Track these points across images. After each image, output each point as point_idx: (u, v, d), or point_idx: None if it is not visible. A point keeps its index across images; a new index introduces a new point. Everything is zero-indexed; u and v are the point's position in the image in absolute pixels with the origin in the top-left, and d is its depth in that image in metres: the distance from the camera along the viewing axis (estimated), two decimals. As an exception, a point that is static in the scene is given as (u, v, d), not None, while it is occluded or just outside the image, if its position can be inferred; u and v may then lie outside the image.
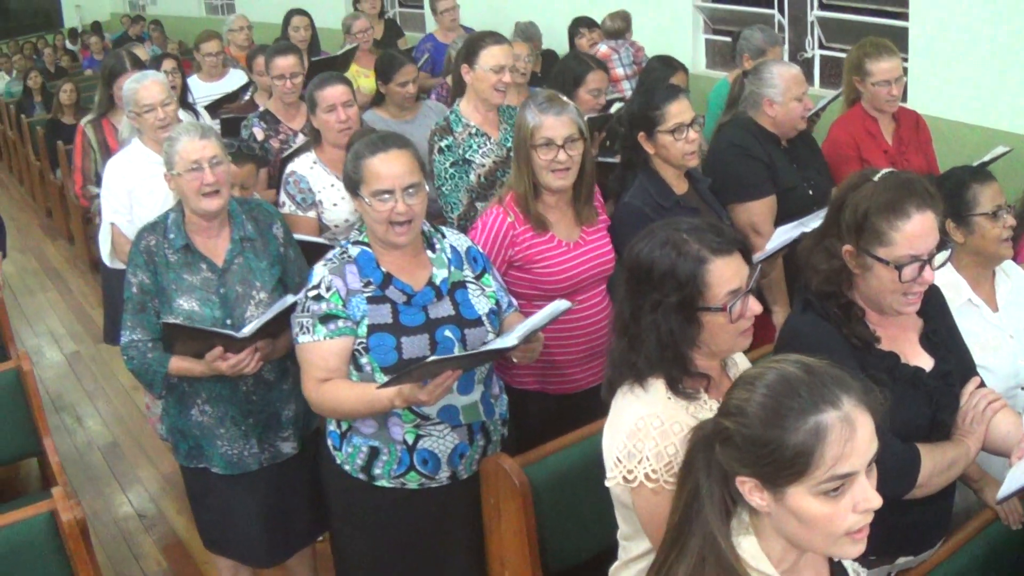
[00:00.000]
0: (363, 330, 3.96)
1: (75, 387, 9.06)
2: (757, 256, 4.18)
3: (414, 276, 4.07)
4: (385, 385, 3.72)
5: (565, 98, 4.84)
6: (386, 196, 3.93)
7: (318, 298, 3.98)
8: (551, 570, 4.21)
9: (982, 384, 3.66)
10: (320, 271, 4.05)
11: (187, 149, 4.48)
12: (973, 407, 3.56)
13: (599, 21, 10.25)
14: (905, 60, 6.25)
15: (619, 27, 9.95)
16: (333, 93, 5.66)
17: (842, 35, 9.76)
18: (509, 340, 3.76)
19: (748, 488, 2.35)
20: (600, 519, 3.56)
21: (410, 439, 4.06)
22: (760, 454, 2.28)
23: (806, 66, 9.38)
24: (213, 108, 8.27)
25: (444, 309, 4.06)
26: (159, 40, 18.69)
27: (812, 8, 10.02)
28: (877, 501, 2.28)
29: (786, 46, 9.55)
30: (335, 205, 5.64)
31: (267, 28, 12.19)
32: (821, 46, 10.11)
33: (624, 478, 3.04)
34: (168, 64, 8.47)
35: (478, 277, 4.24)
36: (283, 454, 4.77)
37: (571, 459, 4.21)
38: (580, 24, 10.38)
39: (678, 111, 4.96)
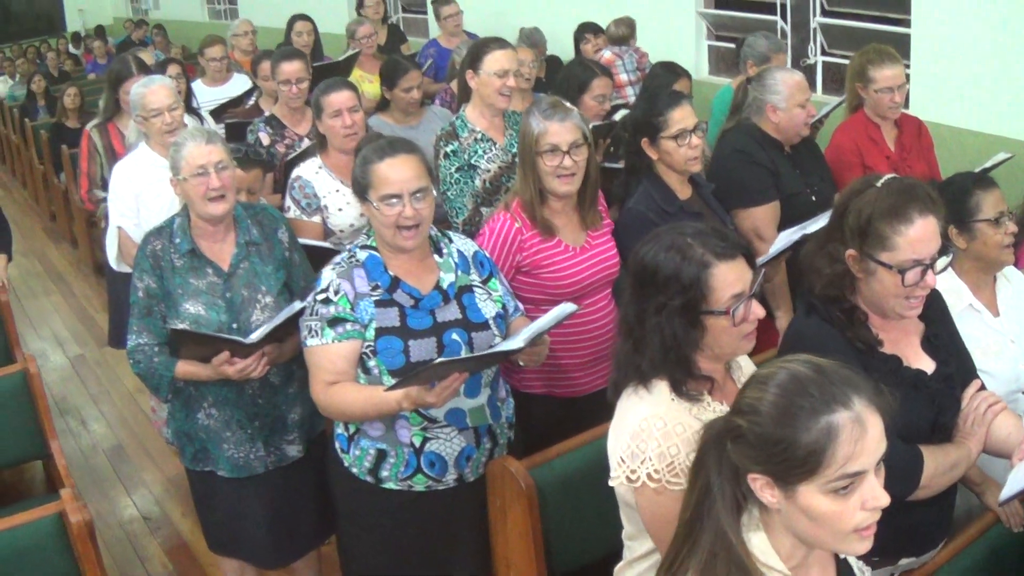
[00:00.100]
0: (371, 333, 3.97)
1: (79, 390, 9.06)
2: (760, 259, 4.20)
3: (421, 280, 4.09)
4: (393, 387, 3.74)
5: (568, 104, 4.86)
6: (394, 200, 3.96)
7: (326, 301, 4.00)
8: (556, 572, 4.23)
9: (983, 387, 3.69)
10: (328, 275, 4.07)
11: (193, 154, 4.49)
12: (974, 409, 3.59)
13: (603, 27, 10.27)
14: (907, 66, 6.26)
15: (623, 33, 9.96)
16: (339, 98, 5.67)
17: (844, 41, 9.75)
18: (516, 342, 3.78)
19: (759, 485, 2.39)
20: (605, 521, 3.59)
21: (417, 442, 4.08)
22: (772, 452, 2.32)
23: (808, 72, 9.38)
24: (217, 113, 8.28)
25: (451, 313, 4.08)
26: (162, 45, 18.68)
27: (815, 14, 10.01)
28: (885, 499, 2.32)
29: (789, 52, 9.56)
30: (340, 210, 5.65)
31: (270, 33, 12.23)
32: (823, 52, 10.10)
33: (627, 478, 3.08)
34: (173, 69, 8.52)
35: (485, 281, 4.26)
36: (289, 457, 4.77)
37: (576, 462, 4.22)
38: (585, 30, 10.40)
39: (681, 117, 4.98)
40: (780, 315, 5.48)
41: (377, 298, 4.01)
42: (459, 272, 4.19)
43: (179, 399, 4.70)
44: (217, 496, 4.82)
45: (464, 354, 4.00)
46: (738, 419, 2.42)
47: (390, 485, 4.14)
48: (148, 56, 9.54)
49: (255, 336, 4.38)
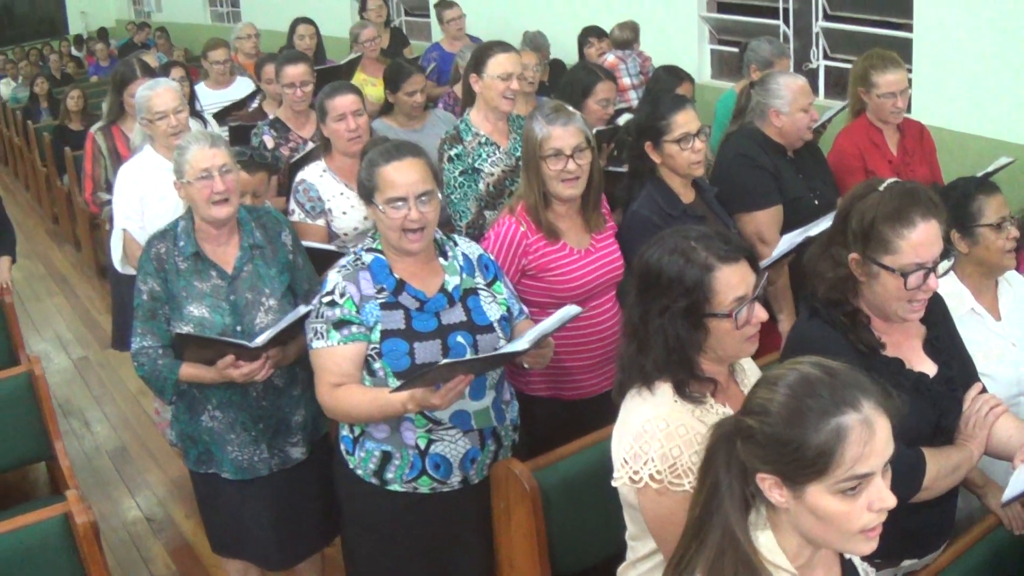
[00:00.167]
0: (376, 335, 3.99)
1: (83, 392, 9.07)
2: (763, 263, 4.21)
3: (427, 283, 4.11)
4: (398, 389, 3.76)
5: (571, 108, 4.88)
6: (399, 204, 3.97)
7: (332, 304, 4.02)
8: (559, 573, 4.24)
9: (984, 390, 3.71)
10: (334, 278, 4.08)
11: (197, 158, 4.50)
12: (976, 412, 3.61)
13: (607, 31, 10.28)
14: (909, 71, 6.27)
15: (627, 37, 9.96)
16: (343, 102, 5.67)
17: (847, 46, 9.75)
18: (520, 344, 3.80)
19: (768, 485, 2.42)
20: (608, 523, 3.60)
21: (422, 444, 4.09)
22: (782, 452, 2.35)
23: (811, 76, 9.37)
24: (220, 116, 8.30)
25: (456, 315, 4.10)
26: (165, 47, 18.71)
27: (817, 19, 10.01)
28: (892, 501, 2.34)
29: (791, 57, 9.57)
30: (344, 213, 5.66)
31: (273, 36, 12.24)
32: (826, 56, 10.10)
33: (630, 478, 3.10)
34: (176, 72, 8.55)
35: (489, 284, 4.27)
36: (293, 459, 4.78)
37: (581, 464, 4.24)
38: (589, 34, 10.41)
39: (684, 121, 5.00)
40: (783, 318, 5.49)
41: (382, 301, 4.03)
42: (464, 275, 4.21)
43: (183, 401, 4.71)
44: (221, 498, 4.82)
45: (469, 356, 4.01)
46: (748, 419, 2.44)
47: (395, 487, 4.15)
48: (151, 59, 9.53)
49: (260, 340, 4.39)
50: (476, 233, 5.44)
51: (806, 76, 6.22)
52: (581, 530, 4.23)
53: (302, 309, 4.35)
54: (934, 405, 3.55)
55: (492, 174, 5.71)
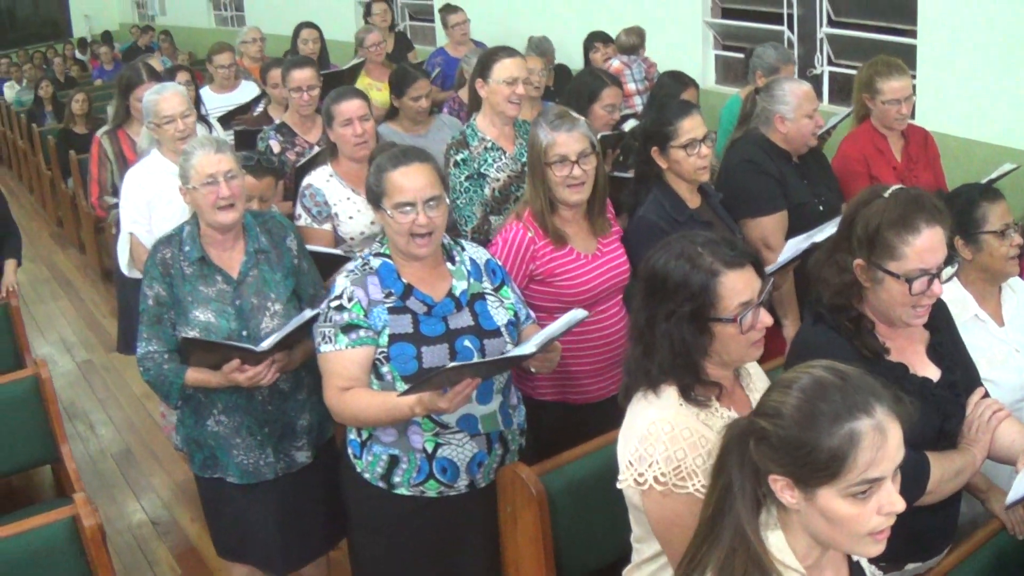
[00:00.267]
0: (384, 340, 4.00)
1: (87, 395, 9.09)
2: (768, 268, 4.22)
3: (434, 287, 4.12)
4: (406, 393, 3.77)
5: (575, 113, 4.90)
6: (407, 208, 3.99)
7: (340, 308, 4.03)
8: (565, 577, 4.26)
9: (986, 394, 3.73)
10: (342, 282, 4.09)
11: (203, 163, 4.52)
12: (979, 416, 3.64)
13: (611, 36, 10.30)
14: (913, 77, 6.28)
15: (634, 43, 9.96)
16: (350, 107, 5.68)
17: (851, 52, 9.75)
18: (527, 348, 3.80)
19: (780, 486, 2.45)
20: (614, 527, 3.61)
21: (429, 447, 4.10)
22: (795, 456, 2.38)
23: (815, 82, 9.37)
24: (225, 120, 8.28)
25: (464, 320, 4.11)
26: (168, 51, 18.72)
27: (821, 25, 10.03)
28: (901, 505, 2.37)
29: (796, 62, 9.57)
30: (351, 218, 5.67)
31: (277, 40, 12.23)
32: (830, 62, 10.11)
33: (635, 481, 3.12)
34: (182, 76, 8.52)
35: (497, 289, 4.28)
36: (298, 463, 4.79)
37: (587, 468, 4.25)
38: (595, 39, 10.40)
39: (691, 127, 5.02)
40: (787, 323, 5.52)
41: (390, 305, 4.04)
42: (471, 280, 4.22)
43: (189, 406, 4.72)
44: (226, 502, 4.83)
45: (476, 360, 4.02)
46: (762, 421, 2.47)
47: (402, 491, 4.16)
48: (156, 63, 9.53)
49: (266, 344, 4.40)
50: (481, 238, 5.45)
51: (810, 82, 6.23)
52: (587, 534, 4.23)
53: (308, 313, 4.37)
54: (938, 410, 3.57)
55: (498, 179, 5.72)
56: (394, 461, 4.14)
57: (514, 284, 4.49)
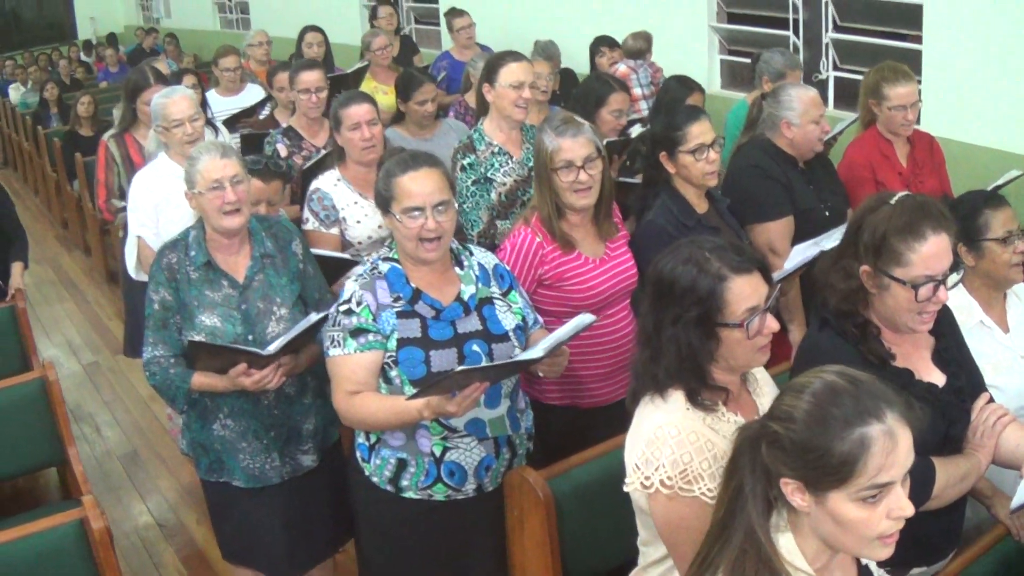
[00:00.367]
0: (392, 344, 4.00)
1: (93, 397, 9.08)
2: (777, 275, 4.23)
3: (443, 292, 4.13)
4: (414, 396, 3.77)
5: (579, 118, 4.91)
6: (416, 213, 4.00)
7: (349, 312, 4.03)
8: (572, 581, 4.27)
9: (991, 400, 3.75)
10: (351, 286, 4.10)
11: (208, 168, 4.53)
12: (983, 422, 3.65)
13: (616, 40, 10.30)
14: (918, 82, 6.28)
15: (640, 47, 9.95)
16: (358, 111, 5.70)
17: (857, 57, 9.75)
18: (535, 352, 3.82)
19: (791, 489, 2.48)
20: (621, 531, 3.62)
21: (438, 451, 4.10)
22: (807, 459, 2.41)
23: (820, 87, 9.36)
24: (230, 123, 8.30)
25: (472, 324, 4.11)
26: (174, 53, 18.71)
27: (827, 30, 10.03)
28: (910, 509, 2.40)
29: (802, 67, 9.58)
30: (358, 222, 5.68)
31: (282, 43, 12.23)
32: (835, 68, 10.11)
33: (642, 484, 3.13)
34: (188, 80, 8.55)
35: (505, 294, 4.29)
36: (304, 467, 4.80)
37: (594, 472, 4.26)
38: (601, 43, 10.38)
39: (699, 132, 5.04)
40: (793, 328, 5.52)
41: (399, 309, 4.05)
42: (480, 284, 4.23)
43: (195, 410, 4.73)
44: (232, 506, 4.84)
45: (484, 364, 4.03)
46: (774, 424, 2.50)
47: (410, 494, 4.17)
48: (162, 66, 9.53)
49: (273, 348, 4.41)
50: (487, 242, 5.47)
51: (815, 86, 6.24)
52: (594, 538, 4.25)
53: (314, 317, 4.39)
54: (943, 415, 3.58)
55: (504, 184, 5.73)
56: (402, 465, 4.15)
57: (522, 289, 4.50)
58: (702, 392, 3.20)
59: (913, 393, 3.44)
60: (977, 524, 4.09)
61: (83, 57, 23.98)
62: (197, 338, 4.48)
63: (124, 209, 6.60)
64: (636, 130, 7.02)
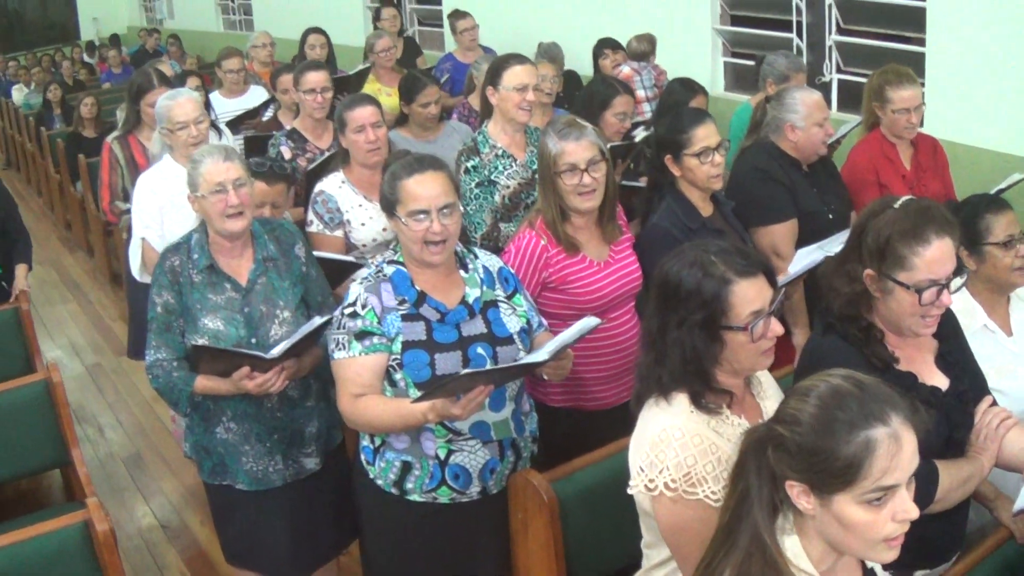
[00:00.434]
0: (397, 347, 4.01)
1: (96, 399, 9.09)
2: (782, 279, 4.24)
3: (448, 295, 4.13)
4: (419, 399, 3.78)
5: (583, 121, 4.91)
6: (421, 216, 4.00)
7: (354, 315, 4.04)
8: (576, 583, 4.27)
9: (994, 403, 3.75)
10: (356, 289, 4.11)
11: (211, 171, 4.53)
12: (986, 425, 3.66)
13: (620, 43, 10.30)
14: (922, 85, 6.29)
15: (644, 49, 9.95)
16: (362, 114, 5.69)
17: (860, 59, 9.75)
18: (540, 355, 3.83)
19: (796, 492, 2.50)
20: (625, 534, 3.62)
21: (442, 454, 4.10)
22: (812, 462, 2.43)
23: (824, 90, 9.34)
24: (233, 124, 8.30)
25: (476, 327, 4.12)
26: (176, 55, 18.74)
27: (830, 32, 10.03)
28: (915, 512, 2.41)
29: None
30: (363, 225, 5.68)
31: (285, 44, 12.23)
32: (839, 70, 10.10)
33: (646, 486, 3.13)
34: (193, 82, 8.56)
35: (509, 297, 4.30)
36: (307, 470, 4.80)
37: (598, 475, 4.25)
38: (605, 45, 10.38)
39: (704, 135, 5.04)
40: (797, 332, 5.51)
41: (404, 312, 4.05)
42: (484, 287, 4.23)
43: (198, 413, 4.73)
44: (235, 509, 4.84)
45: (489, 367, 4.03)
46: (780, 428, 2.52)
47: (415, 497, 4.17)
48: (166, 67, 9.55)
49: (276, 351, 4.40)
50: (491, 245, 5.47)
51: (818, 89, 6.24)
52: (598, 540, 4.24)
53: (317, 320, 4.39)
54: (946, 418, 3.58)
55: (508, 186, 5.73)
56: (407, 467, 4.15)
57: (527, 292, 4.51)
58: (706, 395, 3.20)
59: (917, 397, 3.46)
60: (980, 527, 4.10)
61: (86, 58, 23.95)
62: (200, 341, 4.48)
63: (128, 211, 6.60)
64: (640, 133, 7.03)
